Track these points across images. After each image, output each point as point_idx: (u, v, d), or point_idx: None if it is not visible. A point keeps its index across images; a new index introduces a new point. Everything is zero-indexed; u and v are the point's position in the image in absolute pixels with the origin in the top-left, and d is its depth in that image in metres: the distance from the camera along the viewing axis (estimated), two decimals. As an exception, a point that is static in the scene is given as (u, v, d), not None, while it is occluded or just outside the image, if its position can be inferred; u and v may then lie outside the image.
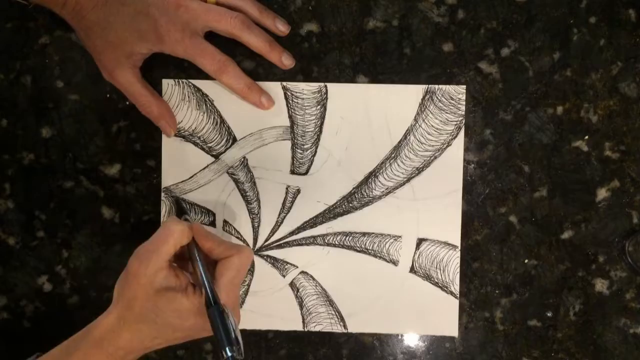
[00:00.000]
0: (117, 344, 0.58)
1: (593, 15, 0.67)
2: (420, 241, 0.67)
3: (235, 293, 0.60)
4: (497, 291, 0.68)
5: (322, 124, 0.67)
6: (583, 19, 0.67)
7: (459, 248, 0.67)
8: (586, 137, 0.67)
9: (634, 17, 0.67)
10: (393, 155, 0.67)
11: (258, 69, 0.67)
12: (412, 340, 0.68)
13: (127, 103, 0.67)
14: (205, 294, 0.57)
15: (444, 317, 0.68)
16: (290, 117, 0.67)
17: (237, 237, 0.68)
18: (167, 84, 0.67)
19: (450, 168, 0.67)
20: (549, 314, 0.67)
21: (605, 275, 0.67)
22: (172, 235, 0.58)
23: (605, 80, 0.67)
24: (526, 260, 0.68)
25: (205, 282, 0.58)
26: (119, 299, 0.59)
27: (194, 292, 0.58)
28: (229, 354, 0.54)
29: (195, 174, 0.68)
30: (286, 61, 0.66)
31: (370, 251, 0.68)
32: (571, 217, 0.67)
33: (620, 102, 0.67)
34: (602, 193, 0.67)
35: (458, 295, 0.67)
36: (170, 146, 0.68)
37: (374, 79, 0.67)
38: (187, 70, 0.67)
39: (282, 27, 0.66)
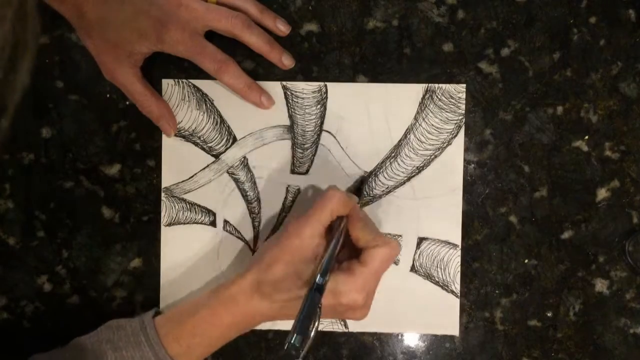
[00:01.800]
0: (244, 308, 0.59)
1: (593, 15, 0.67)
2: (420, 240, 0.67)
3: (375, 285, 0.60)
4: (497, 291, 0.68)
5: (322, 123, 0.67)
6: (583, 19, 0.67)
7: (460, 247, 0.67)
8: (586, 137, 0.67)
9: (634, 17, 0.67)
10: (393, 155, 0.67)
11: (258, 69, 0.67)
12: (412, 340, 0.68)
13: (127, 103, 0.67)
14: (316, 274, 0.57)
15: (444, 316, 0.68)
16: (290, 116, 0.67)
17: (238, 237, 0.68)
18: (167, 84, 0.67)
19: (451, 167, 0.67)
20: (549, 314, 0.67)
21: (605, 275, 0.67)
22: (331, 200, 0.59)
23: (605, 80, 0.67)
24: (526, 260, 0.67)
25: (325, 262, 0.57)
26: (260, 260, 0.59)
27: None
28: (292, 341, 0.53)
29: (196, 173, 0.68)
30: (286, 61, 0.66)
31: None
32: (571, 217, 0.67)
33: (620, 102, 0.67)
34: (602, 193, 0.67)
35: (459, 294, 0.67)
36: (170, 146, 0.68)
37: (374, 79, 0.67)
38: (187, 70, 0.67)
39: (282, 27, 0.66)
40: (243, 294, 0.59)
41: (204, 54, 0.63)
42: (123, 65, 0.63)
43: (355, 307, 0.59)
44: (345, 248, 0.61)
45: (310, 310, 0.54)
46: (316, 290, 0.56)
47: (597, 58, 0.67)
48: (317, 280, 0.56)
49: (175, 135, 0.67)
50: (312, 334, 0.54)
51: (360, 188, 0.67)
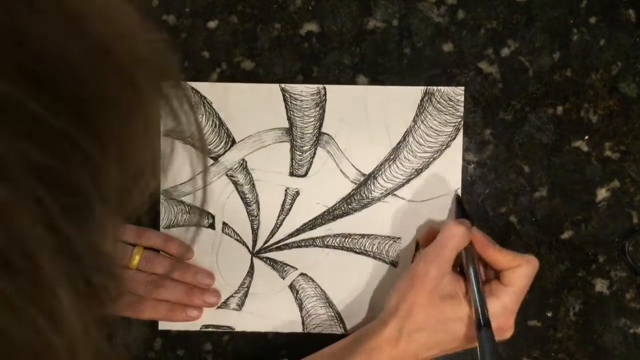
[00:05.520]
0: (391, 353, 0.58)
1: (593, 15, 0.67)
2: (419, 243, 0.67)
3: (519, 303, 0.59)
4: (497, 291, 0.68)
5: (320, 125, 0.67)
6: (583, 19, 0.67)
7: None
8: (586, 137, 0.67)
9: (634, 17, 0.67)
10: (392, 157, 0.67)
11: (258, 69, 0.67)
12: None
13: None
14: (477, 312, 0.57)
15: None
16: (289, 118, 0.67)
17: (237, 240, 0.68)
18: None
19: (449, 169, 0.67)
20: (549, 314, 0.67)
21: (605, 275, 0.67)
22: (453, 237, 0.59)
23: (605, 80, 0.67)
24: (526, 261, 0.67)
25: (478, 300, 0.57)
26: (398, 308, 0.59)
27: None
28: None
29: (195, 176, 0.68)
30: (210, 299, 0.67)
31: (369, 253, 0.68)
32: (571, 217, 0.67)
33: (620, 102, 0.67)
34: (602, 193, 0.67)
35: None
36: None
37: (374, 79, 0.67)
38: (185, 72, 0.67)
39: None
40: (388, 343, 0.58)
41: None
42: None
43: (506, 328, 0.59)
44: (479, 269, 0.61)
45: (493, 349, 0.55)
46: (485, 327, 0.56)
47: (597, 58, 0.67)
48: (481, 318, 0.56)
49: (174, 137, 0.67)
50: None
51: (463, 209, 0.65)
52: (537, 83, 0.67)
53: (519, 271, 0.58)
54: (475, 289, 0.58)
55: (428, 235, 0.63)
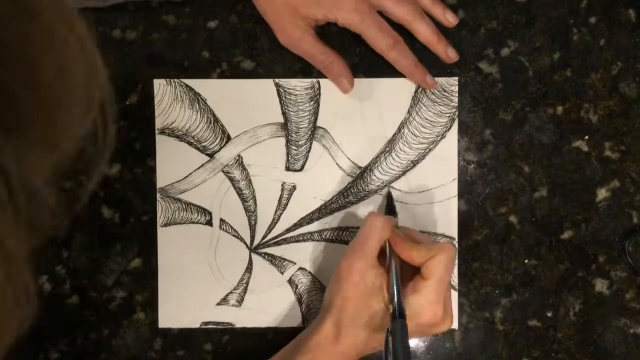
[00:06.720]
0: (334, 350, 0.58)
1: (593, 15, 0.67)
2: None
3: (447, 291, 0.59)
4: (497, 291, 0.68)
5: (315, 119, 0.67)
6: (583, 19, 0.67)
7: (457, 240, 0.67)
8: (586, 137, 0.67)
9: (634, 17, 0.67)
10: (388, 149, 0.67)
11: (258, 69, 0.68)
12: (412, 340, 0.68)
13: (127, 103, 0.67)
14: (392, 303, 0.57)
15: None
16: (283, 113, 0.67)
17: (234, 236, 0.68)
18: (159, 84, 0.67)
19: (445, 160, 0.67)
20: (549, 314, 0.67)
21: (605, 275, 0.67)
22: (375, 229, 0.59)
23: (605, 80, 0.67)
24: (526, 260, 0.67)
25: (395, 290, 0.57)
26: (331, 304, 0.59)
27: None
28: None
29: (191, 173, 0.68)
30: (451, 54, 0.65)
31: None
32: (571, 217, 0.67)
33: (620, 102, 0.67)
34: (602, 193, 0.67)
35: (457, 287, 0.67)
36: (164, 146, 0.68)
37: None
38: (185, 71, 0.67)
39: (451, 19, 0.65)
40: (326, 339, 0.58)
41: (380, 27, 0.63)
42: (300, 28, 0.63)
43: (437, 321, 0.58)
44: (405, 263, 0.60)
45: (404, 338, 0.54)
46: (400, 317, 0.55)
47: (597, 58, 0.67)
48: (396, 309, 0.56)
49: (169, 135, 0.67)
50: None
51: (391, 205, 0.66)
52: (537, 83, 0.67)
53: (434, 261, 0.57)
54: (394, 281, 0.57)
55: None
